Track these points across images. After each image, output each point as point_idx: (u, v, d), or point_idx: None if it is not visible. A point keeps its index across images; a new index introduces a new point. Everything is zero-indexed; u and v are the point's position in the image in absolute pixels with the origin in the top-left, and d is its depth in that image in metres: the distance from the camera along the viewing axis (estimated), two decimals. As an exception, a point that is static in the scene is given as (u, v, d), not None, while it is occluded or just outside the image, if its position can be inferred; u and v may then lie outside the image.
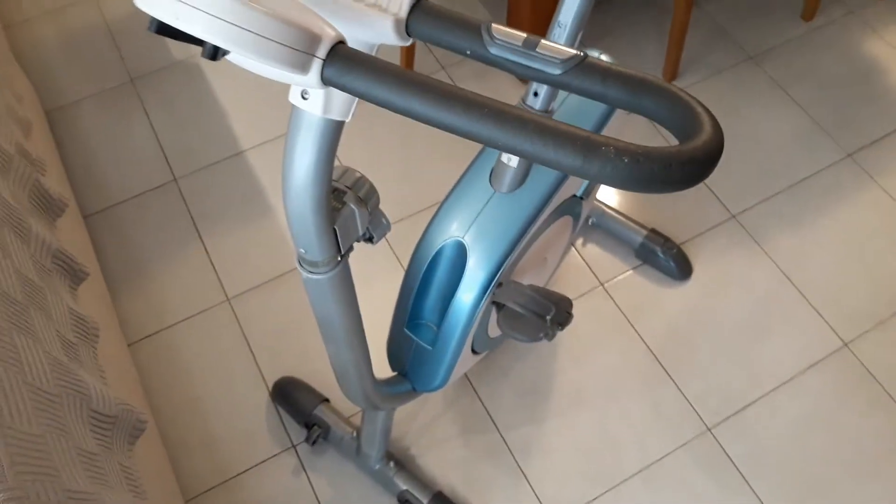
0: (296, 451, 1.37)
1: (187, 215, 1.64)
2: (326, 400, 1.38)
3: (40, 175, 1.23)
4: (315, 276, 0.75)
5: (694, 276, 1.55)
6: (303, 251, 0.72)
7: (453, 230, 1.10)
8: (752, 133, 1.72)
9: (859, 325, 1.49)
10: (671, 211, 1.63)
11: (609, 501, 1.32)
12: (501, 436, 1.38)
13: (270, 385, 1.43)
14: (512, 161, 1.07)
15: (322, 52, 0.48)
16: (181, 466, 1.36)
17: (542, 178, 1.11)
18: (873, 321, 1.49)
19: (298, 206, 0.67)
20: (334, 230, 0.71)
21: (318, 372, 1.44)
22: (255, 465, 1.36)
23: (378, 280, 1.54)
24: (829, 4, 1.93)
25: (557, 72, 0.54)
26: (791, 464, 1.35)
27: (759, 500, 1.32)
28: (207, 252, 1.59)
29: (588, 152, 0.45)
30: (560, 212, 1.21)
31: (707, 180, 1.66)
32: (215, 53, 0.45)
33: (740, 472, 1.34)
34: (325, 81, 0.50)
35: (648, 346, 1.47)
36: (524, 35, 0.54)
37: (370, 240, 0.79)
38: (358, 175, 0.74)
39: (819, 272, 1.55)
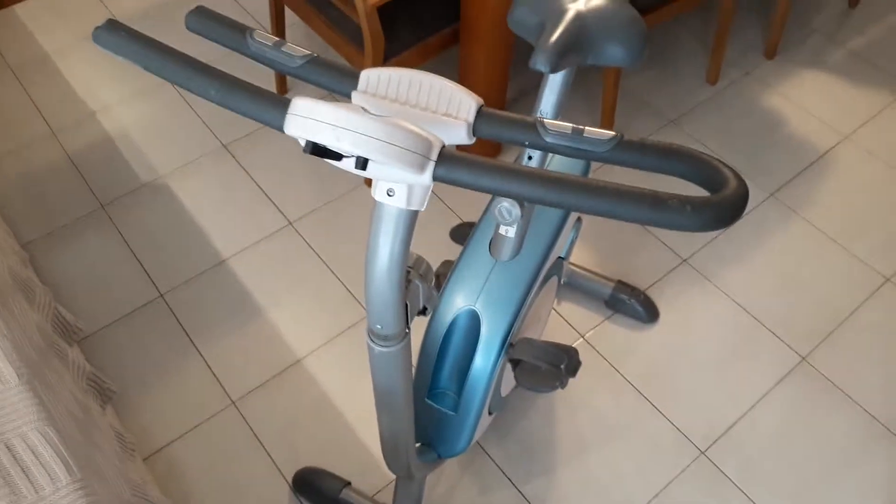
0: (327, 538, 1.41)
1: (179, 328, 1.68)
2: (349, 483, 1.43)
3: (55, 301, 1.27)
4: (388, 350, 0.85)
5: (661, 317, 1.71)
6: (379, 327, 0.82)
7: (464, 300, 1.22)
8: (685, 184, 1.94)
9: (811, 341, 1.67)
10: (631, 262, 1.80)
11: (629, 535, 1.42)
12: (518, 490, 1.47)
13: (290, 479, 1.47)
14: (509, 233, 1.21)
15: (434, 154, 0.61)
16: (216, 573, 1.37)
17: (535, 245, 1.25)
18: (822, 335, 1.68)
19: (381, 287, 0.77)
20: (406, 305, 0.82)
21: (335, 459, 1.50)
22: (290, 559, 1.39)
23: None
24: (728, 69, 2.21)
25: (603, 150, 0.68)
26: (779, 472, 1.49)
27: (761, 509, 1.45)
28: (205, 360, 1.63)
29: (660, 206, 0.58)
30: (550, 273, 1.34)
31: (656, 231, 1.85)
32: (365, 164, 0.57)
33: (738, 487, 1.47)
34: (436, 178, 0.62)
35: (634, 386, 1.61)
36: (571, 125, 0.69)
37: (423, 312, 0.90)
38: (416, 255, 0.85)
39: (767, 299, 1.74)
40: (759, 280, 1.77)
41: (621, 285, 1.71)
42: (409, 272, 0.84)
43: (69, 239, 1.82)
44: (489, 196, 1.85)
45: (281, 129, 0.62)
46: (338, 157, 0.59)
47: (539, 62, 1.00)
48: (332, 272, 1.77)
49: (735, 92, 2.16)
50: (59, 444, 0.77)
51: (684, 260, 1.81)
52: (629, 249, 1.82)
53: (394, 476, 1.47)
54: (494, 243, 1.23)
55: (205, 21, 0.77)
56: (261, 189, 1.93)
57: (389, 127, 0.56)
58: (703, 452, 1.52)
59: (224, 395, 1.58)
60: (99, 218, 1.87)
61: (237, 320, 1.69)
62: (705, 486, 1.47)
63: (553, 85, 1.10)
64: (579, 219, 1.45)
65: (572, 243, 1.45)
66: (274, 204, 1.90)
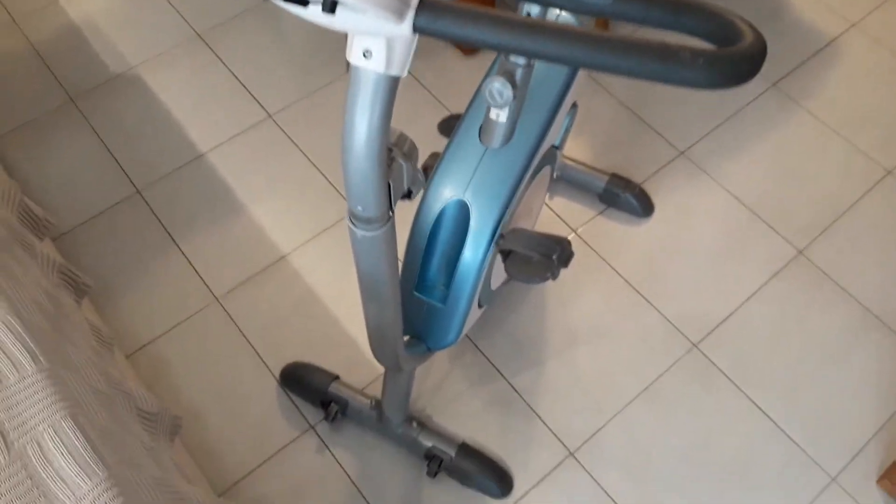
0: (315, 431, 1.40)
1: (158, 224, 1.63)
2: (337, 377, 1.42)
3: (23, 195, 1.21)
4: (369, 234, 0.79)
5: (656, 211, 1.66)
6: (360, 209, 0.76)
7: (453, 190, 1.16)
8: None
9: (809, 234, 1.63)
10: (625, 155, 1.73)
11: (618, 425, 1.42)
12: (508, 382, 1.46)
13: (277, 374, 1.46)
14: (500, 117, 1.14)
15: (414, 1, 0.53)
16: (205, 466, 1.37)
17: (528, 131, 1.18)
18: (820, 228, 1.64)
19: (360, 163, 0.71)
20: (388, 185, 0.76)
21: (321, 354, 1.47)
22: (278, 452, 1.38)
23: (364, 258, 1.58)
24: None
25: (606, 1, 0.60)
26: (772, 365, 1.48)
27: (752, 401, 1.44)
28: (186, 256, 1.59)
29: (669, 58, 0.52)
30: (543, 162, 1.28)
31: (653, 122, 1.78)
32: (333, 6, 0.50)
33: (730, 380, 1.47)
34: (417, 28, 0.55)
35: (627, 280, 1.58)
36: (572, -27, 0.61)
37: (409, 195, 0.84)
38: (399, 132, 0.79)
39: (766, 192, 1.69)
40: (757, 173, 1.72)
41: (616, 178, 1.65)
42: (391, 150, 0.77)
43: (38, 134, 1.74)
44: (478, 83, 1.76)
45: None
46: (303, 1, 0.52)
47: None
48: (315, 166, 1.70)
49: (740, -25, 2.04)
50: (23, 332, 0.73)
51: (681, 152, 1.74)
52: (624, 141, 1.75)
53: (382, 369, 1.46)
54: (484, 129, 1.16)
55: None
56: (238, 80, 1.83)
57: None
58: (695, 345, 1.50)
59: (207, 292, 1.54)
60: (68, 112, 1.77)
61: (218, 216, 1.63)
62: (697, 380, 1.46)
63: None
64: (574, 104, 1.37)
65: (567, 131, 1.38)
66: (252, 96, 1.81)
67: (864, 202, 1.68)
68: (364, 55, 0.63)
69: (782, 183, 1.70)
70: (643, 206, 1.65)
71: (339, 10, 0.53)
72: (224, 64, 1.85)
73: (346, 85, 1.80)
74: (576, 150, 1.74)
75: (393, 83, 0.67)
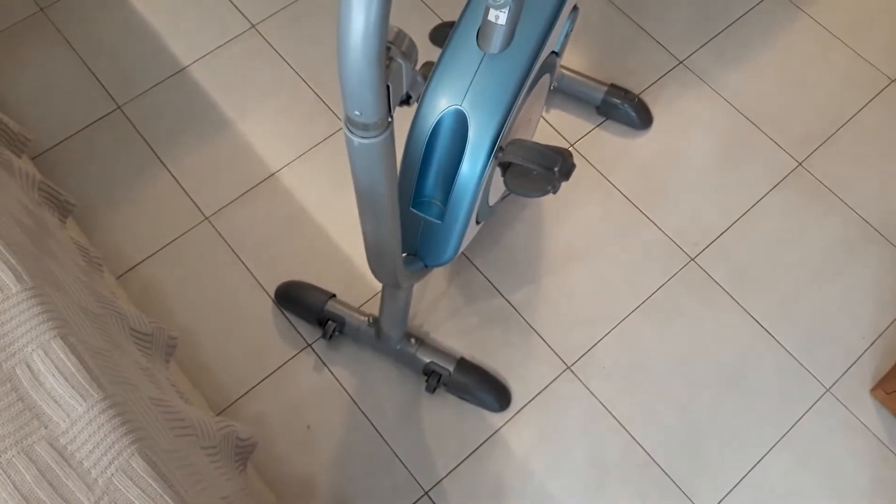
0: (312, 349, 1.39)
1: (142, 141, 1.57)
2: (333, 295, 1.40)
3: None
4: (368, 141, 0.75)
5: (655, 123, 1.62)
6: (357, 114, 0.72)
7: (450, 99, 1.11)
8: None
9: (809, 145, 1.60)
10: (623, 65, 1.67)
11: (615, 337, 1.42)
12: (505, 298, 1.44)
13: (272, 293, 1.43)
14: (500, 19, 1.07)
15: None
16: (201, 386, 1.36)
17: (528, 34, 1.12)
18: (820, 139, 1.61)
19: (357, 62, 0.66)
20: (387, 87, 0.71)
21: (316, 272, 1.45)
22: (276, 370, 1.38)
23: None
24: None
25: None
26: (769, 277, 1.48)
27: (748, 313, 1.44)
28: (173, 175, 1.54)
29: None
30: (542, 69, 1.23)
31: (651, 30, 1.71)
32: None
33: (727, 292, 1.46)
34: None
35: (624, 195, 1.55)
36: None
37: (407, 101, 0.80)
38: (397, 29, 0.74)
39: (767, 102, 1.64)
40: (758, 82, 1.67)
41: (614, 89, 1.60)
42: (389, 48, 0.72)
43: (6, 47, 1.65)
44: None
45: None
46: None
47: None
48: (303, 79, 1.64)
49: None
50: (4, 250, 0.69)
51: (681, 61, 1.69)
52: (623, 50, 1.69)
53: (379, 287, 1.44)
54: (483, 32, 1.10)
55: None
56: (218, -12, 1.73)
57: None
58: (692, 259, 1.49)
59: (196, 211, 1.50)
60: (40, 22, 1.68)
61: (204, 132, 1.57)
62: (694, 292, 1.46)
63: None
64: (575, 7, 1.31)
65: (567, 37, 1.32)
66: (233, 4, 1.72)
67: (865, 111, 1.65)
68: (361, -60, 0.58)
69: (784, 93, 1.66)
70: (642, 118, 1.61)
71: None
72: (202, -29, 1.75)
73: (332, -8, 1.71)
74: (572, 59, 1.68)
75: (392, -27, 0.62)
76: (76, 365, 0.65)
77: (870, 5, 1.76)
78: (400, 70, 0.73)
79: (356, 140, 0.75)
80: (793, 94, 1.66)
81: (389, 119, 0.76)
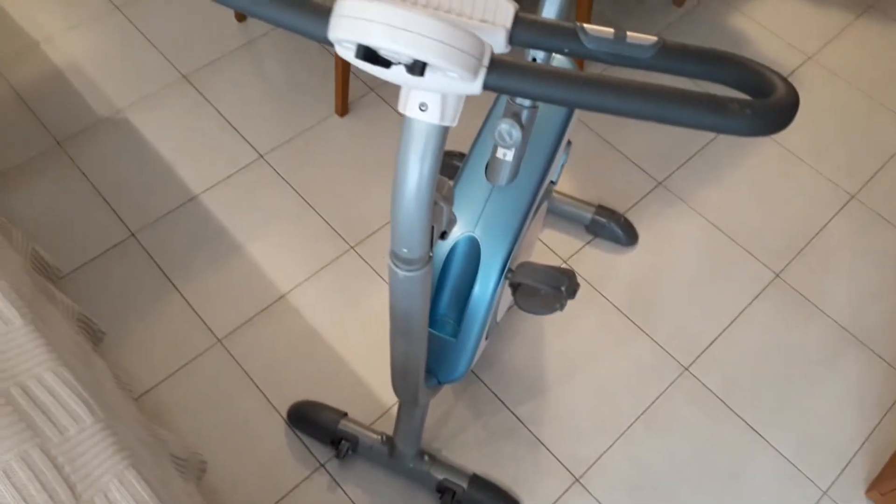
0: (325, 469, 1.41)
1: (155, 267, 1.63)
2: (345, 414, 1.43)
3: (35, 243, 1.21)
4: (412, 274, 0.83)
5: (640, 240, 1.73)
6: (405, 251, 0.80)
7: (463, 227, 1.20)
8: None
9: (784, 257, 1.72)
10: (608, 187, 1.80)
11: (621, 448, 1.46)
12: (511, 412, 1.49)
13: (284, 413, 1.46)
14: (507, 156, 1.19)
15: (486, 60, 0.58)
16: (215, 509, 1.36)
17: (532, 169, 1.24)
18: (794, 251, 1.73)
19: (410, 209, 0.75)
20: (432, 228, 0.79)
21: (326, 391, 1.49)
22: (290, 492, 1.39)
23: (363, 296, 1.61)
24: (693, -11, 2.21)
25: (646, 55, 0.66)
26: (759, 384, 1.55)
27: (743, 419, 1.51)
28: (185, 299, 1.59)
29: (721, 110, 0.57)
30: (543, 197, 1.34)
31: (631, 155, 1.86)
32: (423, 69, 0.54)
33: (721, 400, 1.53)
34: (487, 86, 0.59)
35: (617, 307, 1.64)
36: (612, 30, 0.66)
37: (442, 236, 0.88)
38: (439, 176, 0.83)
39: (741, 218, 1.78)
40: (731, 200, 1.80)
41: (601, 209, 1.72)
42: (433, 193, 0.81)
43: (26, 179, 1.72)
44: (478, 123, 1.82)
45: (320, 37, 0.58)
46: (387, 63, 0.56)
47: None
48: (310, 204, 1.73)
49: (700, 13, 2.15)
50: (76, 383, 0.74)
51: (660, 182, 1.82)
52: (607, 174, 1.83)
53: (389, 404, 1.48)
54: (491, 168, 1.21)
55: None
56: (227, 121, 1.85)
57: (449, 27, 0.53)
58: (686, 368, 1.57)
59: (209, 334, 1.55)
60: (56, 155, 1.77)
61: (215, 257, 1.64)
62: (691, 401, 1.52)
63: (554, -1, 1.07)
64: (569, 142, 1.44)
65: (562, 167, 1.44)
66: (242, 136, 1.83)
67: (832, 225, 1.78)
68: (420, 108, 0.67)
69: (755, 209, 1.79)
70: (628, 236, 1.72)
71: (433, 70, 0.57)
72: (212, 105, 1.87)
73: (333, 125, 1.84)
74: (562, 182, 1.80)
75: (445, 133, 0.71)
76: (149, 494, 0.69)
77: (826, 128, 1.94)
78: (441, 212, 0.81)
79: (401, 273, 0.83)
80: (764, 210, 1.79)
81: (430, 254, 0.84)
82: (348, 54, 0.57)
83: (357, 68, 1.94)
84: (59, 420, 0.70)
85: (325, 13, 0.58)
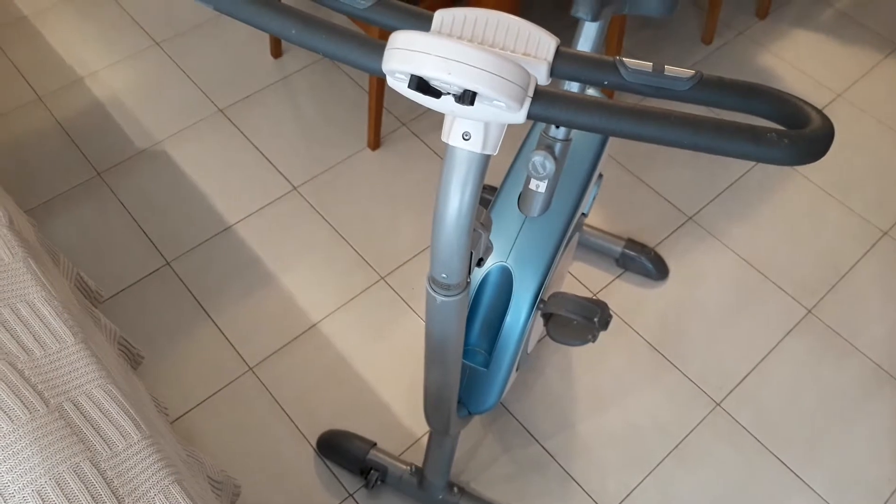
0: (354, 499, 1.41)
1: (189, 295, 1.66)
2: (375, 444, 1.44)
3: (76, 267, 1.24)
4: (449, 299, 0.84)
5: (671, 274, 1.73)
6: (444, 276, 0.81)
7: (496, 256, 1.21)
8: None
9: (816, 293, 1.71)
10: (638, 221, 1.81)
11: (652, 484, 1.45)
12: (541, 445, 1.49)
13: (313, 442, 1.47)
14: (540, 188, 1.20)
15: (531, 90, 0.60)
16: (245, 537, 1.36)
17: (564, 200, 1.25)
18: (826, 287, 1.72)
19: (450, 235, 0.77)
20: (470, 254, 0.81)
21: (356, 421, 1.49)
22: (318, 521, 1.39)
23: (393, 326, 1.62)
24: (722, 29, 2.23)
25: (683, 88, 0.67)
26: (793, 421, 1.53)
27: (776, 456, 1.49)
28: (218, 327, 1.61)
29: (759, 139, 0.59)
30: (574, 229, 1.35)
31: (661, 189, 1.87)
32: (473, 98, 0.56)
33: (754, 437, 1.51)
34: (531, 115, 0.61)
35: (647, 341, 1.63)
36: (651, 63, 0.68)
37: (479, 263, 0.89)
38: (478, 204, 0.84)
39: (771, 253, 1.77)
40: (762, 235, 1.80)
41: (631, 243, 1.72)
42: (471, 220, 0.83)
43: (67, 208, 1.77)
44: (508, 158, 1.85)
45: (374, 69, 0.61)
46: (437, 94, 0.58)
47: (581, 10, 0.99)
48: (341, 236, 1.75)
49: (729, 51, 2.18)
50: (123, 401, 0.75)
51: (690, 217, 1.83)
52: (637, 208, 1.84)
53: (418, 434, 1.48)
54: (524, 199, 1.23)
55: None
56: (262, 154, 1.89)
57: (499, 59, 0.55)
58: (718, 404, 1.55)
59: (241, 362, 1.56)
60: (96, 186, 1.82)
61: (248, 286, 1.67)
62: (723, 437, 1.51)
63: (588, 33, 1.09)
64: (600, 175, 1.45)
65: (594, 199, 1.45)
66: (276, 169, 1.87)
67: (864, 262, 1.77)
68: (464, 137, 0.70)
69: (786, 244, 1.79)
70: (658, 269, 1.72)
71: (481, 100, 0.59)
72: (247, 138, 1.92)
73: (365, 158, 1.88)
74: (592, 216, 1.81)
75: (486, 161, 0.73)
76: (193, 511, 0.70)
77: (855, 164, 1.94)
78: (479, 239, 0.83)
79: (439, 298, 0.84)
80: (794, 246, 1.79)
81: (468, 280, 0.85)
82: (400, 85, 0.59)
83: (390, 102, 1.98)
84: (109, 435, 0.71)
85: (378, 47, 0.61)
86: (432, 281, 0.84)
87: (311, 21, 0.64)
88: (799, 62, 2.16)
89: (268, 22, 0.65)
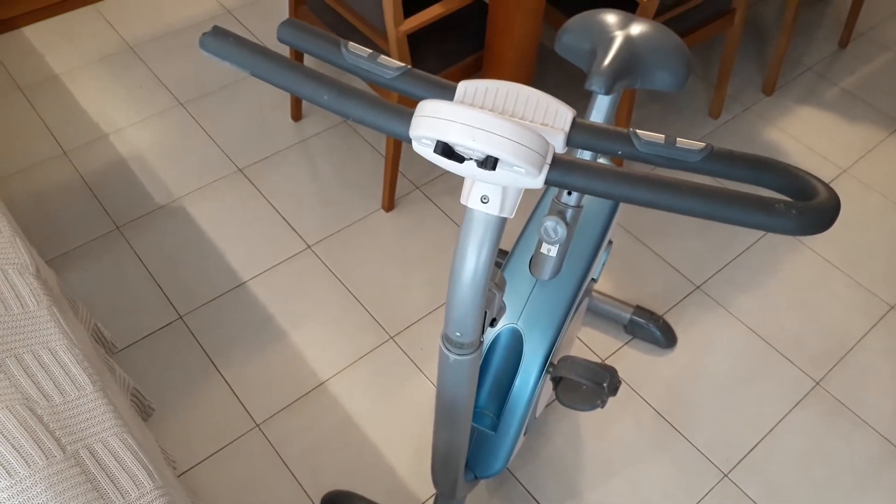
0: (357, 562, 1.39)
1: (200, 350, 1.67)
2: (379, 505, 1.43)
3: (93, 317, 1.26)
4: (462, 358, 0.86)
5: (679, 343, 1.74)
6: (458, 335, 0.83)
7: (507, 318, 1.23)
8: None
9: (824, 365, 1.71)
10: (647, 289, 1.83)
11: (659, 556, 1.42)
12: (548, 513, 1.47)
13: (318, 502, 1.46)
14: (551, 251, 1.23)
15: (549, 158, 0.63)
16: None
17: (575, 265, 1.28)
18: (834, 359, 1.73)
19: (466, 294, 0.79)
20: (485, 314, 0.83)
21: (361, 481, 1.49)
22: (320, 583, 1.36)
23: (401, 386, 1.62)
24: (729, 104, 2.29)
25: (695, 159, 0.71)
26: (802, 494, 1.52)
27: (786, 530, 1.47)
28: (227, 382, 1.62)
29: (768, 210, 0.61)
30: (584, 294, 1.37)
31: (669, 258, 1.89)
32: (495, 164, 0.59)
33: (763, 509, 1.49)
34: (549, 181, 0.64)
35: (655, 409, 1.63)
36: (663, 135, 0.72)
37: (492, 323, 0.91)
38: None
39: (779, 324, 1.78)
40: (769, 306, 1.81)
41: (640, 310, 1.74)
42: (486, 281, 0.85)
43: (84, 260, 1.81)
44: (520, 222, 1.88)
45: (401, 134, 0.64)
46: (460, 159, 0.61)
47: (595, 84, 1.03)
48: (353, 295, 1.78)
49: (736, 126, 2.24)
50: (138, 450, 0.76)
51: (697, 287, 1.85)
52: (646, 276, 1.86)
53: (423, 498, 1.47)
54: (535, 262, 1.25)
55: (297, 33, 0.79)
56: (278, 213, 1.93)
57: (521, 128, 0.58)
58: (726, 475, 1.54)
59: (248, 418, 1.57)
60: (114, 239, 1.85)
61: (259, 343, 1.68)
62: (731, 508, 1.49)
63: (601, 106, 1.14)
64: (610, 241, 1.48)
65: (603, 265, 1.48)
66: (292, 227, 1.90)
67: (871, 335, 1.78)
68: (482, 200, 0.73)
69: (794, 316, 1.80)
70: (666, 337, 1.73)
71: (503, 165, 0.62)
72: (264, 197, 1.96)
73: (379, 220, 1.91)
74: (601, 282, 1.83)
75: (503, 224, 0.76)
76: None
77: (862, 238, 1.97)
78: (493, 299, 0.85)
79: (452, 357, 0.86)
80: (801, 318, 1.80)
81: (481, 339, 0.87)
82: (426, 150, 0.62)
83: (405, 166, 2.03)
84: (122, 484, 0.72)
85: (407, 114, 0.64)
86: (446, 339, 0.86)
87: (343, 89, 0.68)
88: (805, 137, 2.22)
89: (302, 88, 0.69)
